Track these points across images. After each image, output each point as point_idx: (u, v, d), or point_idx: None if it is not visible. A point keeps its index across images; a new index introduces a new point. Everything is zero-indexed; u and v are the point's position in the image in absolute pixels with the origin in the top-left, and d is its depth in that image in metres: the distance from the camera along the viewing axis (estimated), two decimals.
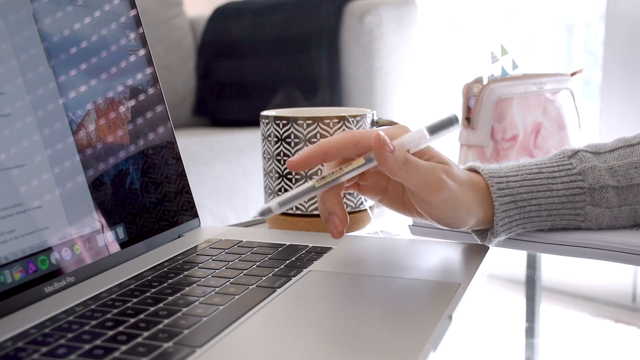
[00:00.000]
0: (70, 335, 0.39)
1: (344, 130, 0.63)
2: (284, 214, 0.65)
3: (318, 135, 0.62)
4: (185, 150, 0.67)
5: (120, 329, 0.39)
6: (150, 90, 0.61)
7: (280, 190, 0.65)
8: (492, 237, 0.54)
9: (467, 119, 0.86)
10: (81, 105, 0.53)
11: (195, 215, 0.64)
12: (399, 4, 1.81)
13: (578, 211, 0.55)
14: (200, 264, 0.52)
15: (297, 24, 1.86)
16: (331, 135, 0.62)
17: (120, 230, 0.54)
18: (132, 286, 0.47)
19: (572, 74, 0.97)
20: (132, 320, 0.40)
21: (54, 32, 0.52)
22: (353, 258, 0.54)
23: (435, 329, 0.39)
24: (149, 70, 0.62)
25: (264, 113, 0.66)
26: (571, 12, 2.07)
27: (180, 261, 0.53)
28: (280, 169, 0.64)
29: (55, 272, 0.47)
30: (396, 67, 1.82)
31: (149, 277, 0.49)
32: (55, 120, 0.50)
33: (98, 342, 0.38)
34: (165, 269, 0.51)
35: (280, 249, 0.55)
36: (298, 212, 0.64)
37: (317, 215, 0.64)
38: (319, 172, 0.62)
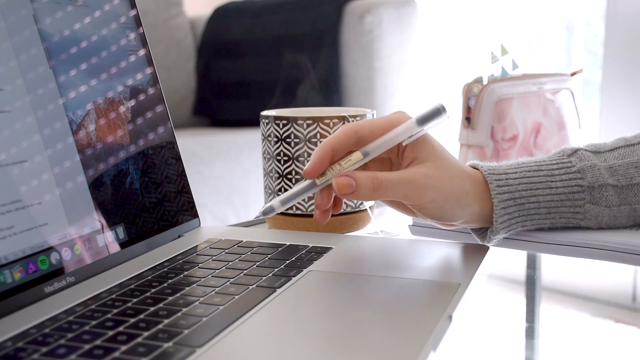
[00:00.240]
0: (70, 335, 0.39)
1: None
2: (284, 214, 0.65)
3: (318, 135, 0.62)
4: (185, 150, 0.67)
5: (120, 329, 0.39)
6: (150, 90, 0.61)
7: (280, 190, 0.65)
8: (492, 235, 0.54)
9: (467, 119, 0.86)
10: (81, 105, 0.53)
11: (195, 215, 0.64)
12: (399, 4, 1.81)
13: (577, 209, 0.55)
14: (200, 264, 0.52)
15: (297, 24, 1.86)
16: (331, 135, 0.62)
17: (120, 230, 0.54)
18: (132, 286, 0.47)
19: (572, 74, 0.97)
20: (132, 320, 0.40)
21: (54, 32, 0.52)
22: (353, 258, 0.54)
23: (435, 329, 0.39)
24: (149, 70, 0.62)
25: (264, 113, 0.66)
26: (571, 12, 2.07)
27: (180, 261, 0.53)
28: (280, 169, 0.64)
29: (55, 272, 0.47)
30: (396, 67, 1.82)
31: (149, 277, 0.49)
32: (55, 120, 0.50)
33: (98, 342, 0.38)
34: (165, 269, 0.51)
35: (280, 249, 0.55)
36: (298, 212, 0.64)
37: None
38: None
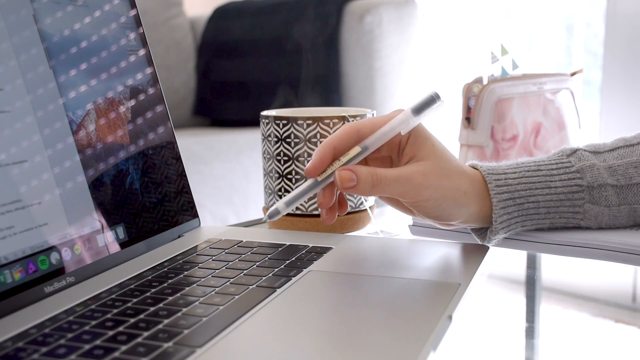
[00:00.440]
0: (70, 335, 0.39)
1: None
2: None
3: (318, 135, 0.62)
4: (185, 150, 0.67)
5: (120, 329, 0.39)
6: (150, 90, 0.61)
7: (280, 190, 0.65)
8: (492, 235, 0.54)
9: (467, 119, 0.86)
10: (81, 105, 0.53)
11: (195, 215, 0.64)
12: (399, 4, 1.81)
13: (577, 209, 0.55)
14: (200, 264, 0.52)
15: (297, 24, 1.86)
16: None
17: (120, 230, 0.54)
18: (132, 286, 0.47)
19: (572, 74, 0.97)
20: (132, 320, 0.40)
21: (54, 32, 0.52)
22: (353, 258, 0.54)
23: (435, 329, 0.39)
24: (149, 70, 0.62)
25: (264, 113, 0.66)
26: (571, 12, 2.07)
27: (180, 261, 0.53)
28: (280, 169, 0.64)
29: (55, 272, 0.47)
30: (396, 67, 1.82)
31: (149, 277, 0.49)
32: (55, 120, 0.50)
33: (98, 342, 0.38)
34: (165, 269, 0.51)
35: (280, 249, 0.55)
36: (298, 212, 0.64)
37: (317, 215, 0.64)
38: None
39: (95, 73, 0.55)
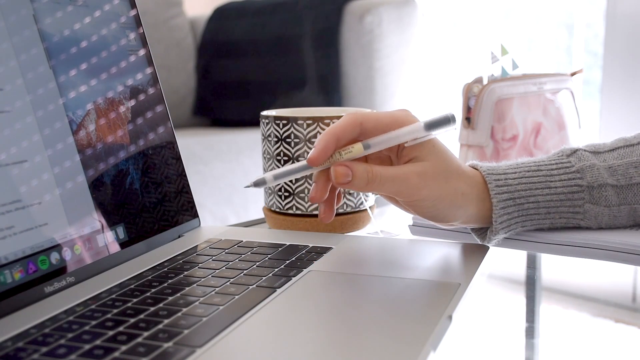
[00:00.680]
0: (70, 335, 0.39)
1: None
2: (284, 213, 0.65)
3: (318, 135, 0.62)
4: (185, 150, 0.67)
5: (120, 329, 0.39)
6: (150, 90, 0.61)
7: (280, 190, 0.65)
8: (492, 235, 0.54)
9: (467, 119, 0.86)
10: (81, 105, 0.53)
11: (195, 215, 0.64)
12: (399, 4, 1.81)
13: (577, 209, 0.55)
14: (200, 264, 0.52)
15: (297, 24, 1.86)
16: None
17: (120, 230, 0.54)
18: (132, 286, 0.47)
19: (572, 74, 0.97)
20: (132, 320, 0.40)
21: (54, 32, 0.52)
22: (353, 258, 0.54)
23: (435, 329, 0.39)
24: (149, 70, 0.62)
25: (264, 113, 0.66)
26: (571, 12, 2.07)
27: (180, 261, 0.53)
28: None
29: (55, 272, 0.47)
30: (396, 67, 1.82)
31: (149, 277, 0.49)
32: (55, 120, 0.50)
33: (98, 342, 0.38)
34: (165, 269, 0.51)
35: (280, 249, 0.55)
36: (298, 212, 0.64)
37: (317, 215, 0.64)
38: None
39: (95, 73, 0.55)
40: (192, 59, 2.04)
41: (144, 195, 0.58)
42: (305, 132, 0.63)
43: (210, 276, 0.49)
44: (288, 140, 0.63)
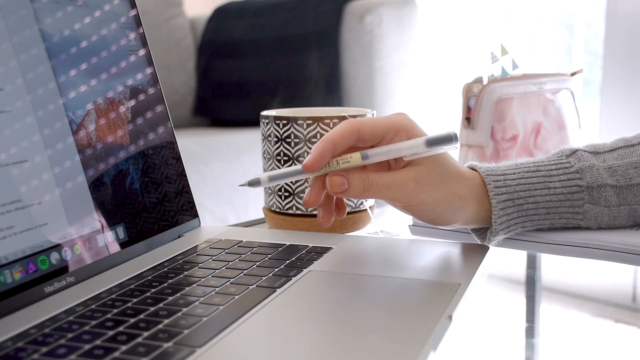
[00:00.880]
0: (70, 335, 0.39)
1: None
2: (284, 213, 0.65)
3: (318, 135, 0.62)
4: (185, 150, 0.67)
5: (120, 329, 0.39)
6: (150, 90, 0.61)
7: (280, 190, 0.65)
8: (492, 236, 0.54)
9: (467, 119, 0.86)
10: (81, 105, 0.53)
11: (195, 215, 0.64)
12: (399, 4, 1.81)
13: (577, 209, 0.55)
14: (200, 264, 0.52)
15: (297, 24, 1.86)
16: None
17: (120, 230, 0.54)
18: (132, 286, 0.47)
19: (572, 74, 0.97)
20: (132, 320, 0.40)
21: (54, 32, 0.52)
22: (353, 258, 0.54)
23: (435, 329, 0.39)
24: (149, 70, 0.62)
25: (264, 113, 0.66)
26: (571, 12, 2.07)
27: (180, 261, 0.53)
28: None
29: (56, 272, 0.47)
30: (396, 67, 1.82)
31: (149, 277, 0.49)
32: (55, 120, 0.50)
33: (98, 342, 0.38)
34: (165, 269, 0.51)
35: (280, 249, 0.55)
36: (298, 212, 0.64)
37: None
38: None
39: (95, 73, 0.55)
40: (192, 59, 2.04)
41: (144, 195, 0.58)
42: (305, 132, 0.63)
43: (210, 276, 0.49)
44: (288, 140, 0.63)
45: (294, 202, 0.64)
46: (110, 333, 0.39)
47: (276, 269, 0.50)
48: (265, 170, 0.66)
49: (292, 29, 1.86)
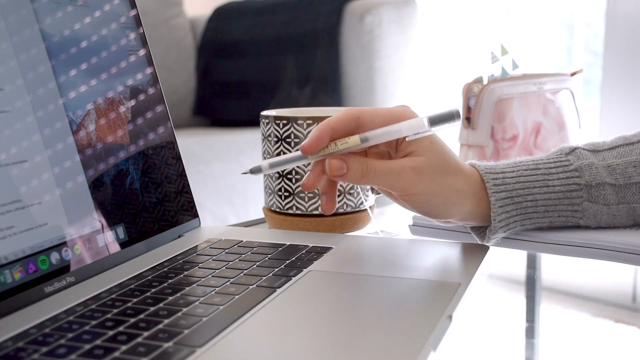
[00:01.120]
0: (70, 335, 0.39)
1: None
2: (284, 213, 0.65)
3: None
4: (185, 150, 0.67)
5: (120, 328, 0.39)
6: (150, 90, 0.61)
7: (280, 189, 0.65)
8: (491, 234, 0.54)
9: (467, 119, 0.86)
10: (81, 105, 0.53)
11: (195, 215, 0.64)
12: (399, 4, 1.81)
13: (576, 207, 0.55)
14: (200, 264, 0.52)
15: (297, 24, 1.86)
16: None
17: (120, 230, 0.54)
18: (132, 286, 0.47)
19: (572, 74, 0.97)
20: (132, 320, 0.40)
21: (54, 32, 0.52)
22: (353, 258, 0.54)
23: (435, 329, 0.39)
24: (149, 70, 0.62)
25: (264, 113, 0.66)
26: (571, 12, 2.07)
27: (180, 261, 0.53)
28: None
29: (56, 272, 0.47)
30: (396, 67, 1.82)
31: (149, 277, 0.49)
32: (55, 120, 0.50)
33: (98, 342, 0.38)
34: (165, 269, 0.51)
35: (280, 249, 0.55)
36: (298, 212, 0.64)
37: (317, 215, 0.64)
38: None
39: (95, 73, 0.55)
40: (192, 59, 2.04)
41: (144, 195, 0.58)
42: (305, 132, 0.63)
43: (210, 276, 0.49)
44: (288, 140, 0.63)
45: (294, 202, 0.64)
46: (110, 333, 0.39)
47: (276, 269, 0.50)
48: None
49: (292, 29, 1.86)
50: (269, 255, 0.53)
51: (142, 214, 0.57)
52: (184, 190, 0.63)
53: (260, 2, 2.00)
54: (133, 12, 0.62)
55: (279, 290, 0.46)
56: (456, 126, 0.52)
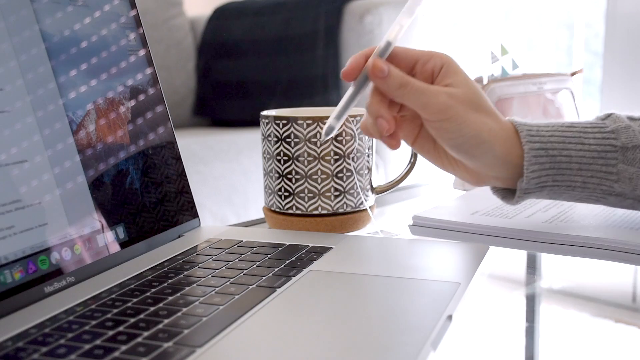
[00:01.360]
0: (70, 335, 0.39)
1: (343, 130, 0.63)
2: (284, 213, 0.65)
3: (318, 135, 0.62)
4: (185, 150, 0.67)
5: (120, 328, 0.39)
6: (150, 90, 0.61)
7: (280, 190, 0.65)
8: (522, 185, 0.53)
9: None
10: (81, 106, 0.53)
11: (195, 215, 0.64)
12: (399, 4, 1.81)
13: (610, 169, 0.53)
14: (200, 264, 0.52)
15: (297, 24, 1.86)
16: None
17: (120, 230, 0.54)
18: (132, 286, 0.47)
19: (572, 74, 0.97)
20: (132, 320, 0.40)
21: (54, 33, 0.52)
22: (353, 258, 0.54)
23: (435, 328, 0.39)
24: (149, 70, 0.62)
25: (264, 113, 0.66)
26: (571, 12, 2.07)
27: (180, 261, 0.53)
28: (280, 168, 0.64)
29: (56, 272, 0.47)
30: None
31: (149, 277, 0.49)
32: (55, 120, 0.50)
33: (98, 342, 0.38)
34: (165, 269, 0.51)
35: (280, 249, 0.55)
36: (298, 212, 0.64)
37: (317, 215, 0.64)
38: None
39: (95, 73, 0.55)
40: (192, 59, 2.04)
41: (144, 195, 0.58)
42: (305, 132, 0.63)
43: (210, 276, 0.49)
44: (288, 140, 0.63)
45: (294, 202, 0.64)
46: (110, 333, 0.39)
47: (276, 269, 0.50)
48: (265, 170, 0.66)
49: (292, 29, 1.86)
50: (269, 255, 0.53)
51: (142, 214, 0.57)
52: (184, 190, 0.63)
53: (260, 2, 2.00)
54: (133, 12, 0.62)
55: (279, 290, 0.46)
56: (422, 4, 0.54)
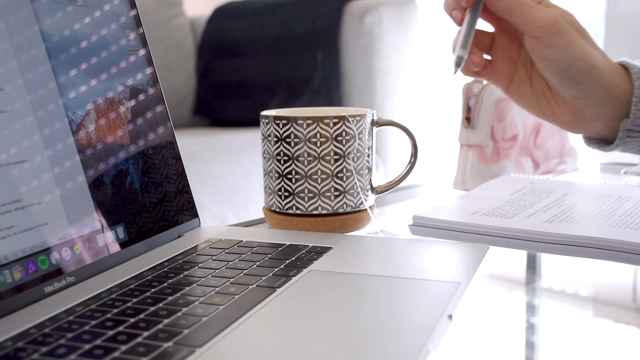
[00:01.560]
0: (70, 335, 0.39)
1: (343, 130, 0.63)
2: (284, 213, 0.65)
3: (318, 135, 0.62)
4: (185, 150, 0.67)
5: (120, 328, 0.39)
6: (150, 90, 0.61)
7: (280, 189, 0.65)
8: (627, 125, 0.52)
9: (467, 119, 0.86)
10: (81, 105, 0.53)
11: (195, 215, 0.64)
12: (399, 4, 1.81)
13: None
14: (200, 264, 0.52)
15: (297, 24, 1.86)
16: (331, 134, 0.62)
17: (120, 230, 0.54)
18: (132, 286, 0.47)
19: None
20: (132, 320, 0.40)
21: (54, 32, 0.52)
22: (353, 258, 0.54)
23: (435, 328, 0.39)
24: (149, 70, 0.62)
25: (264, 113, 0.66)
26: (571, 12, 2.06)
27: (180, 261, 0.53)
28: (280, 168, 0.64)
29: (56, 272, 0.47)
30: (396, 67, 1.82)
31: (149, 277, 0.49)
32: (55, 120, 0.50)
33: (98, 342, 0.38)
34: (165, 269, 0.51)
35: (280, 249, 0.55)
36: (298, 212, 0.64)
37: (317, 215, 0.64)
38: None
39: (95, 73, 0.55)
40: (192, 59, 2.04)
41: (144, 195, 0.58)
42: (305, 132, 0.63)
43: (210, 276, 0.49)
44: (288, 140, 0.63)
45: (294, 202, 0.64)
46: (110, 333, 0.39)
47: (276, 269, 0.50)
48: (265, 170, 0.66)
49: (292, 29, 1.86)
50: (269, 255, 0.53)
51: (142, 214, 0.57)
52: (184, 190, 0.63)
53: (260, 2, 2.00)
54: (133, 12, 0.62)
55: (279, 290, 0.46)
56: None
